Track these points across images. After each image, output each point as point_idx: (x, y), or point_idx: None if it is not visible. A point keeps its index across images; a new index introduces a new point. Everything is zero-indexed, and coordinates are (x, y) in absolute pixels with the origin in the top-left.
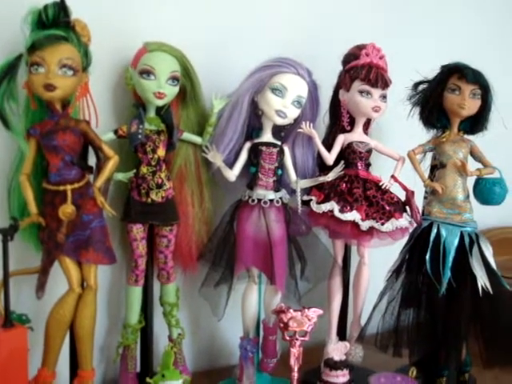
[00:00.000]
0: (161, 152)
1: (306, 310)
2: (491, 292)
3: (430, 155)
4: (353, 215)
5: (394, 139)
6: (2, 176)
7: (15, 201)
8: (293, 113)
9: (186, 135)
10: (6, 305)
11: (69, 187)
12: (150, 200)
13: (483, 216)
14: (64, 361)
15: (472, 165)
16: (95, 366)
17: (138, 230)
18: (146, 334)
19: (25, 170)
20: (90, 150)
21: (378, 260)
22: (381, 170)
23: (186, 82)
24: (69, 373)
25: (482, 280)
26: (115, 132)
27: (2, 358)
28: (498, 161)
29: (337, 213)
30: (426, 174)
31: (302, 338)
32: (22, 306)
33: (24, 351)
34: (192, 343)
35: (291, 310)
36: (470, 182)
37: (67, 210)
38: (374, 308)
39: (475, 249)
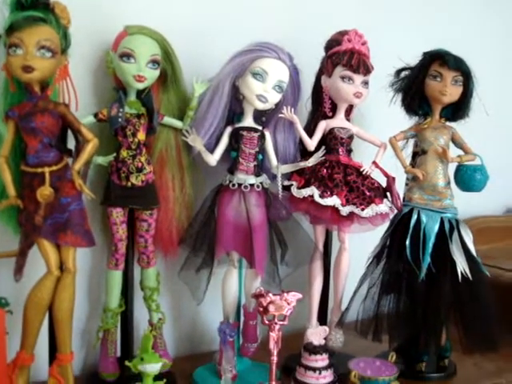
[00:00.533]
0: (141, 136)
1: (285, 294)
2: (470, 278)
3: (412, 142)
4: (333, 200)
5: (376, 126)
6: None
7: None
8: (274, 97)
9: (167, 119)
10: None
11: (47, 169)
12: (129, 184)
13: (466, 205)
14: (43, 344)
15: (454, 151)
16: (76, 351)
17: (118, 214)
18: (127, 318)
19: (3, 153)
20: (70, 133)
21: (359, 246)
22: (362, 156)
23: (167, 65)
24: (48, 356)
25: (462, 266)
26: (95, 115)
27: None
28: (479, 148)
29: (317, 198)
30: (408, 161)
31: (281, 322)
32: (2, 289)
33: (2, 334)
34: (174, 328)
35: (270, 294)
36: (452, 168)
37: (45, 192)
38: (355, 293)
39: (455, 235)
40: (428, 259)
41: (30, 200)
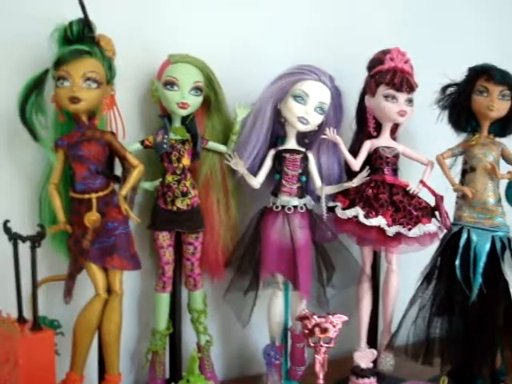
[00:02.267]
0: (186, 161)
1: (331, 316)
2: None
3: (461, 159)
4: (378, 220)
5: (424, 143)
6: (33, 186)
7: (45, 209)
8: (315, 119)
9: (211, 144)
10: (33, 309)
11: (94, 195)
12: (175, 208)
13: None
14: (92, 365)
15: (505, 168)
16: (126, 373)
17: (165, 238)
18: (175, 340)
19: (53, 180)
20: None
21: (409, 266)
22: (410, 175)
23: (210, 91)
24: (97, 377)
25: None
26: (142, 142)
27: (31, 361)
28: None
29: (361, 218)
30: (458, 178)
31: (327, 345)
32: (53, 312)
33: (51, 354)
34: (222, 351)
35: (315, 316)
36: (503, 185)
37: (92, 217)
38: (405, 315)
39: (507, 254)
40: (479, 279)
41: (78, 225)
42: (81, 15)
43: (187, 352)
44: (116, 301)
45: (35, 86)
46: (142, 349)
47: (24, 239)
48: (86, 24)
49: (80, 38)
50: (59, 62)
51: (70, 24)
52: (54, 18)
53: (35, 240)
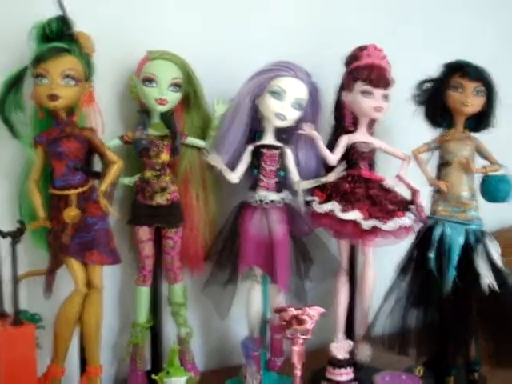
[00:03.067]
0: (165, 156)
1: (308, 308)
2: (497, 290)
3: (437, 154)
4: (354, 214)
5: (400, 138)
6: (12, 182)
7: (25, 206)
8: (292, 115)
9: (190, 139)
10: (14, 303)
11: (73, 191)
12: (155, 203)
13: (496, 215)
14: (73, 358)
15: (479, 162)
16: (107, 365)
17: (144, 232)
18: (156, 332)
19: (33, 177)
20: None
21: (385, 259)
22: (387, 170)
23: (189, 87)
24: (78, 369)
25: (487, 278)
26: (121, 138)
27: (12, 355)
28: (505, 158)
29: (338, 212)
30: (435, 173)
31: (304, 336)
32: (34, 306)
33: (32, 347)
34: (203, 342)
35: (292, 309)
36: (478, 180)
37: (71, 212)
38: (381, 307)
39: (480, 247)
40: (453, 272)
41: (58, 221)
42: (59, 12)
43: (168, 344)
44: (96, 295)
45: (14, 84)
46: (123, 341)
47: (4, 235)
48: (64, 21)
49: (59, 35)
50: (38, 60)
51: (49, 21)
52: (33, 16)
53: (15, 236)
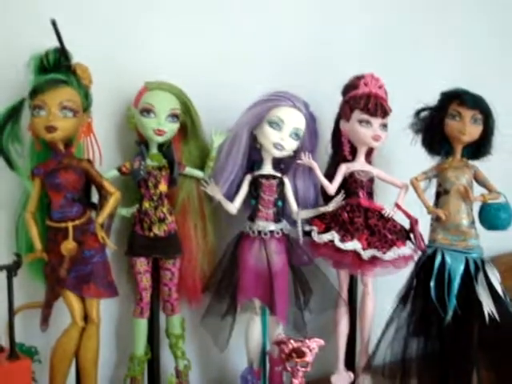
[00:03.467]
0: (163, 187)
1: (307, 340)
2: (498, 319)
3: (435, 182)
4: (353, 244)
5: (398, 167)
6: (9, 214)
7: (22, 237)
8: (290, 145)
9: (189, 170)
10: (11, 337)
11: (70, 224)
12: (152, 234)
13: (494, 241)
14: None
15: (478, 190)
16: None
17: (142, 264)
18: (153, 365)
19: (29, 209)
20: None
21: (386, 288)
22: (385, 199)
23: (187, 118)
24: None
25: (488, 307)
26: (119, 169)
27: None
28: (503, 186)
29: (337, 242)
30: (433, 201)
31: (304, 369)
32: (31, 339)
33: (28, 382)
34: (201, 374)
35: (292, 341)
36: (476, 208)
37: (69, 246)
38: (381, 337)
39: (481, 275)
40: (454, 301)
41: (55, 253)
42: (57, 44)
43: (166, 377)
44: (93, 329)
45: (11, 116)
46: (120, 375)
47: (0, 268)
48: (62, 53)
49: (56, 66)
50: (35, 91)
51: (47, 53)
52: (30, 47)
53: (11, 269)
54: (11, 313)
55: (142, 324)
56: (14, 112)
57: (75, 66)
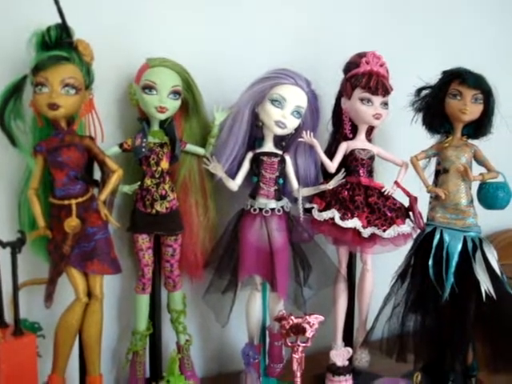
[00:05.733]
0: (164, 164)
1: (307, 316)
2: (494, 297)
3: (434, 160)
4: (353, 222)
5: (398, 145)
6: (12, 191)
7: (25, 215)
8: (292, 123)
9: (190, 147)
10: (15, 314)
11: (73, 201)
12: (154, 211)
13: (491, 219)
14: (74, 367)
15: (477, 169)
16: (106, 373)
17: (144, 240)
18: (155, 340)
19: (32, 185)
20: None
21: (384, 265)
22: (385, 177)
23: (188, 95)
24: (78, 378)
25: (485, 285)
26: (120, 146)
27: (13, 365)
28: (502, 165)
29: (337, 220)
30: (432, 179)
31: (304, 344)
32: (34, 315)
33: (33, 358)
34: (202, 349)
35: (292, 317)
36: (475, 186)
37: (72, 223)
38: (379, 313)
39: (478, 254)
40: (451, 278)
41: (58, 230)
42: (58, 20)
43: (167, 351)
44: (96, 304)
45: (13, 92)
46: (123, 349)
47: (4, 245)
48: (63, 29)
49: (58, 43)
50: (37, 68)
51: (48, 29)
52: (32, 24)
53: (15, 246)
54: (16, 290)
55: (144, 300)
56: (16, 89)
57: (77, 42)
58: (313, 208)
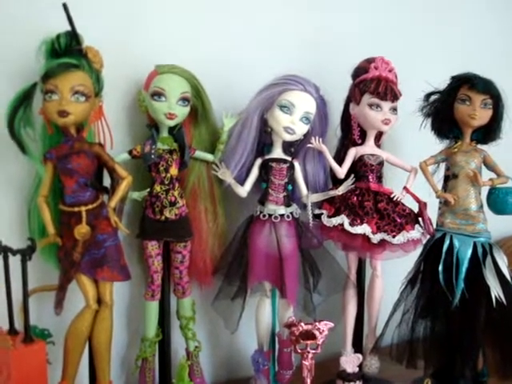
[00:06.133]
0: (173, 171)
1: (317, 323)
2: (505, 302)
3: (443, 166)
4: (363, 228)
5: (407, 151)
6: (22, 199)
7: (35, 222)
8: (301, 129)
9: (199, 153)
10: (25, 321)
11: (83, 208)
12: (163, 217)
13: (500, 225)
14: (84, 374)
15: (486, 175)
16: (116, 379)
17: (153, 247)
18: (164, 346)
19: (42, 193)
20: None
21: (393, 271)
22: (394, 183)
23: (197, 102)
24: None
25: (496, 291)
26: (130, 152)
27: (23, 372)
28: None
29: (347, 226)
30: (441, 185)
31: (314, 351)
32: (44, 321)
33: (43, 365)
34: (211, 356)
35: (302, 324)
36: (484, 192)
37: (82, 230)
38: (389, 319)
39: (488, 259)
40: (461, 284)
41: (68, 237)
42: (68, 28)
43: (176, 358)
44: (106, 311)
45: (23, 100)
46: (132, 355)
47: (14, 253)
48: (73, 37)
49: (67, 50)
50: (47, 76)
51: (58, 37)
52: (42, 31)
53: (25, 253)
54: (26, 297)
55: (154, 306)
56: (26, 96)
57: (86, 49)
58: (322, 214)
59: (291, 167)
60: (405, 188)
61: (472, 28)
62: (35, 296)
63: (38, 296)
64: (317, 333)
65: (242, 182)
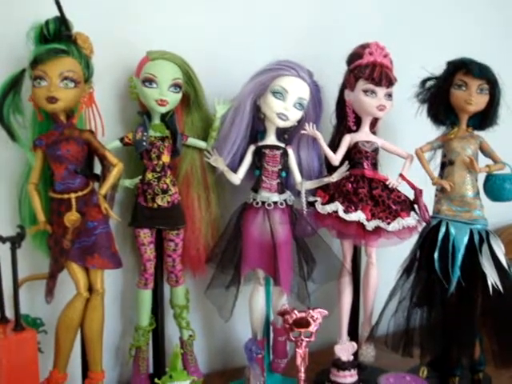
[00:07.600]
0: (165, 158)
1: (311, 310)
2: (501, 290)
3: (440, 152)
4: (357, 215)
5: (403, 137)
6: (12, 186)
7: (26, 209)
8: (294, 115)
9: (191, 140)
10: (15, 309)
11: (73, 195)
12: (155, 205)
13: (497, 212)
14: (76, 363)
15: (483, 161)
16: (110, 369)
17: (146, 235)
18: (158, 335)
19: (32, 180)
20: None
21: (389, 259)
22: (390, 169)
23: (189, 88)
24: (80, 374)
25: (492, 278)
26: (121, 140)
27: (14, 360)
28: (510, 156)
29: (341, 213)
30: (437, 172)
31: (308, 339)
32: (36, 310)
33: (34, 353)
34: (205, 345)
35: (295, 311)
36: (481, 179)
37: (72, 217)
38: (385, 307)
39: (485, 247)
40: (458, 272)
41: (58, 225)
42: (57, 14)
43: (170, 347)
44: (98, 299)
45: (12, 86)
46: (126, 345)
47: (4, 240)
48: (62, 22)
49: (57, 36)
50: (36, 62)
51: (47, 22)
52: (30, 17)
53: (15, 241)
54: (16, 285)
55: (147, 295)
56: (15, 82)
57: (76, 35)
58: (316, 201)
59: (285, 154)
60: (400, 175)
61: (468, 13)
62: (28, 285)
63: (30, 285)
64: (310, 320)
65: (235, 170)
